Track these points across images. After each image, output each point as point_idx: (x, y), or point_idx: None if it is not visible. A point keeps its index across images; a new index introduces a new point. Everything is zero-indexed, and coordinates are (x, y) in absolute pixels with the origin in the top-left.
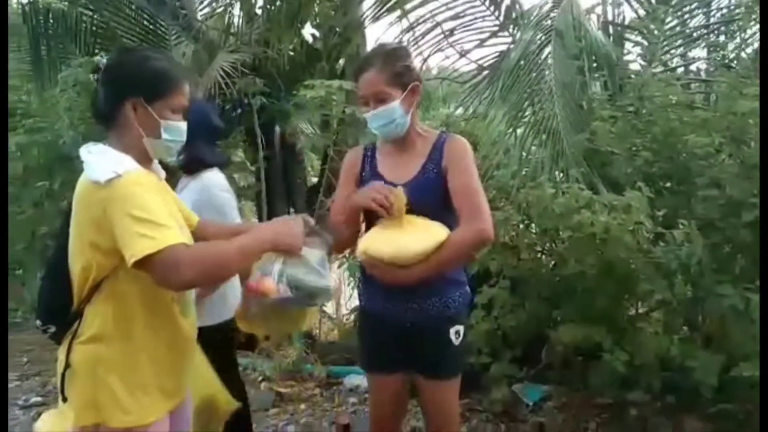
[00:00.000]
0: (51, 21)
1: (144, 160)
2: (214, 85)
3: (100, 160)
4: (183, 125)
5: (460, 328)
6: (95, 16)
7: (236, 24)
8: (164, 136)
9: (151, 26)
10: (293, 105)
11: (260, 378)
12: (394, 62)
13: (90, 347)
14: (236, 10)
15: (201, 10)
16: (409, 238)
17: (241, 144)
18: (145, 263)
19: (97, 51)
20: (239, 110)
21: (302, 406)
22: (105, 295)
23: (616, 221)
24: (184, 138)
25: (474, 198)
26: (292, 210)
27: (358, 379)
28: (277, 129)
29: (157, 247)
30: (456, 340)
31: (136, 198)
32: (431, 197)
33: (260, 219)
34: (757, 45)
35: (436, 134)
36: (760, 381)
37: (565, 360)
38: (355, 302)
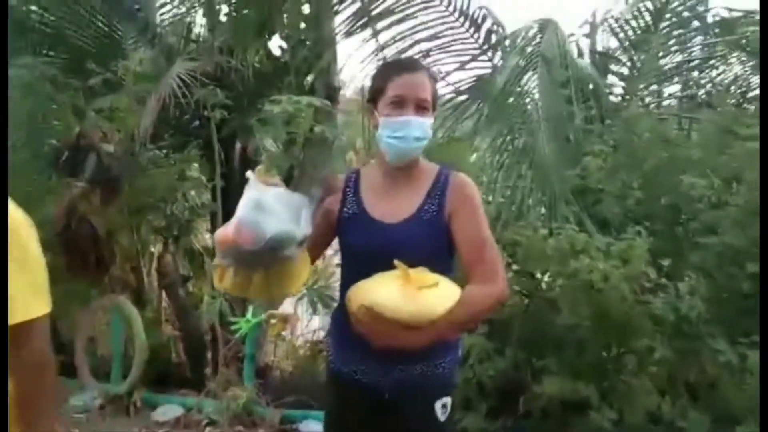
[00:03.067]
0: None
1: None
2: (170, 94)
3: None
4: None
5: (448, 400)
6: (45, 15)
7: (198, 30)
8: None
9: (105, 28)
10: (257, 120)
11: (206, 421)
12: (435, 81)
13: None
14: (199, 16)
15: (161, 14)
16: (432, 297)
17: (197, 159)
18: None
19: (44, 52)
20: (197, 122)
21: None
22: None
23: (619, 270)
24: None
25: (487, 252)
26: None
27: (315, 425)
28: (238, 145)
29: None
30: (442, 416)
31: None
32: (425, 243)
33: (213, 241)
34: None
35: (436, 169)
36: (760, 382)
37: (545, 410)
38: (312, 328)
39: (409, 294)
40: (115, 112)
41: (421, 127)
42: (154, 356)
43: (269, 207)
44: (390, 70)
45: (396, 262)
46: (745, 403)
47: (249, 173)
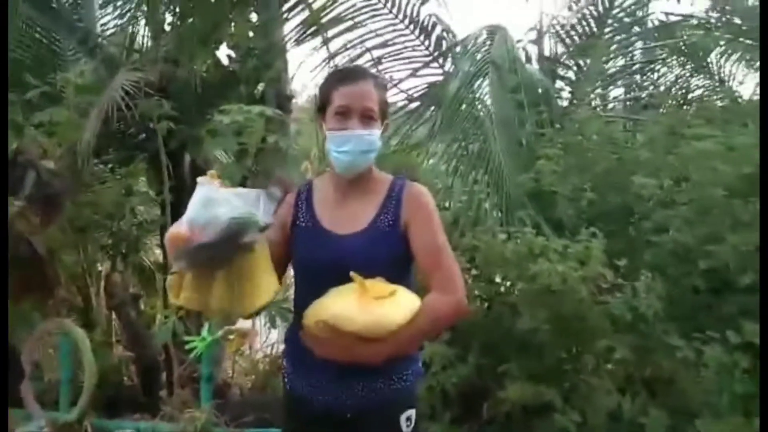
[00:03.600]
0: None
1: None
2: (113, 106)
3: None
4: None
5: (412, 413)
6: None
7: (141, 40)
8: None
9: (44, 40)
10: (207, 131)
11: None
12: (383, 89)
13: None
14: (141, 25)
15: (102, 24)
16: (388, 307)
17: (144, 173)
18: None
19: None
20: (143, 135)
21: None
22: None
23: (577, 273)
24: None
25: (444, 259)
26: None
27: None
28: (188, 157)
29: None
30: (407, 428)
31: None
32: (381, 254)
33: (164, 256)
34: (672, 88)
35: (390, 180)
36: (760, 381)
37: (509, 415)
38: (271, 341)
39: (365, 305)
40: (56, 126)
41: (365, 140)
42: (105, 380)
43: (223, 200)
44: (334, 79)
45: (352, 273)
46: (701, 397)
47: (199, 178)
